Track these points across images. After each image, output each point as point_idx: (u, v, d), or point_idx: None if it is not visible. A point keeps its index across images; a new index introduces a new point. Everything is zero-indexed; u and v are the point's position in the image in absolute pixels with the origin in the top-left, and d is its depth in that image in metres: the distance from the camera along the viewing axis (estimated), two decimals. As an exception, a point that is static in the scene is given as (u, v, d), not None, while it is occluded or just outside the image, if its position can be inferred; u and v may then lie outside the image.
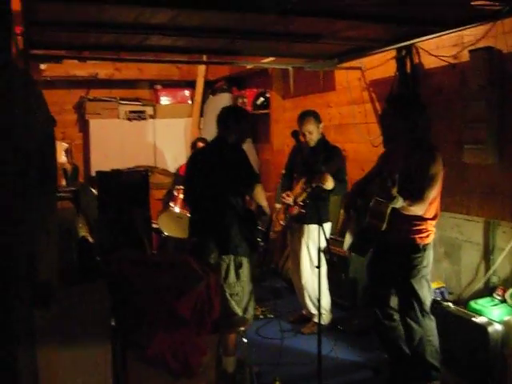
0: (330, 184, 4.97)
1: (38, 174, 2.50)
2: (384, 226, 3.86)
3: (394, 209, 3.81)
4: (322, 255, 4.14)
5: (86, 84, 9.00)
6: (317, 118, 5.39)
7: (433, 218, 4.07)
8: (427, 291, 4.10)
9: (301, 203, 5.28)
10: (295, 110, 6.90)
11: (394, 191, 3.60)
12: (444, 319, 4.31)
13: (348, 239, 4.30)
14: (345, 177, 5.30)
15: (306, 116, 5.40)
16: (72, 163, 8.27)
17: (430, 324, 4.12)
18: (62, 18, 3.96)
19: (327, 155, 5.23)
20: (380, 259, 4.28)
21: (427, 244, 4.06)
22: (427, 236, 4.05)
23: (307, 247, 5.40)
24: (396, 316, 4.26)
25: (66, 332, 2.76)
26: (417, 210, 3.88)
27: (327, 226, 5.36)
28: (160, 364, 3.03)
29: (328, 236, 5.37)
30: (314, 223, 4.94)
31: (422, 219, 4.00)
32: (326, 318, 5.47)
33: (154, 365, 3.03)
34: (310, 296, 5.47)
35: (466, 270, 4.97)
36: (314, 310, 5.47)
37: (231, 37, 4.70)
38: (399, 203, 3.69)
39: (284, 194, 5.44)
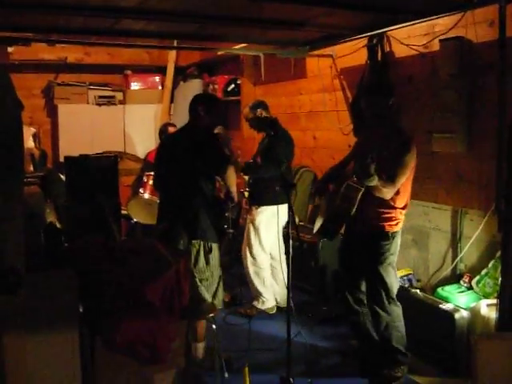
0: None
1: (3, 159, 2.46)
2: (354, 209, 3.87)
3: (364, 196, 3.83)
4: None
5: (55, 68, 8.88)
6: (254, 106, 5.68)
7: (403, 208, 4.10)
8: (394, 278, 4.14)
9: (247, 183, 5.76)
10: (266, 96, 6.88)
11: (373, 168, 3.61)
12: (412, 306, 4.36)
13: (318, 223, 4.32)
14: (276, 157, 5.26)
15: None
16: (40, 148, 8.16)
17: (397, 310, 4.16)
18: (30, -1, 3.89)
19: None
20: (350, 245, 4.31)
21: (396, 232, 4.09)
22: (396, 224, 4.08)
23: (252, 228, 5.62)
24: (365, 301, 4.29)
25: (32, 319, 2.72)
26: (387, 192, 3.89)
27: (271, 208, 5.40)
28: (128, 351, 3.00)
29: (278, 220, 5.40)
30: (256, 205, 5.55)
31: (391, 207, 4.03)
32: (261, 304, 5.69)
33: (123, 352, 3.00)
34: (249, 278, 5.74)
35: (434, 258, 5.03)
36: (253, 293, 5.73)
37: (202, 22, 4.67)
38: (374, 182, 3.70)
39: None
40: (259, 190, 5.48)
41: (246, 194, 5.64)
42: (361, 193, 3.82)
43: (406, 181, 3.98)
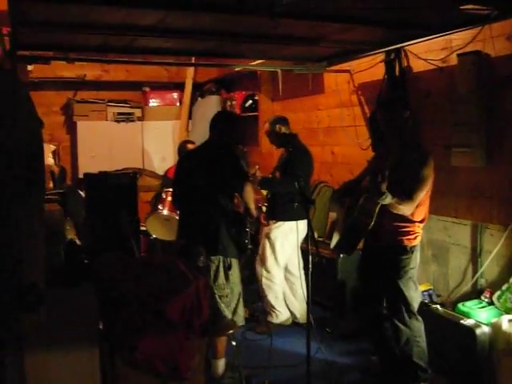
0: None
1: (25, 177, 2.48)
2: (372, 222, 3.86)
3: (382, 210, 3.82)
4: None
5: (74, 86, 8.96)
6: (273, 121, 5.66)
7: (421, 221, 4.08)
8: (414, 292, 4.11)
9: (265, 198, 5.77)
10: (284, 112, 6.90)
11: (384, 187, 3.60)
12: (432, 321, 4.32)
13: (335, 239, 4.30)
14: (295, 171, 5.15)
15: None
16: (59, 165, 8.22)
17: (418, 325, 4.12)
18: (50, 18, 3.94)
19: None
20: (368, 260, 4.28)
21: (414, 246, 4.07)
22: (414, 238, 4.06)
23: (268, 243, 5.61)
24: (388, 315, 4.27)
25: (53, 336, 2.74)
26: (405, 209, 3.88)
27: (290, 224, 5.43)
28: (148, 368, 3.01)
29: (296, 235, 5.42)
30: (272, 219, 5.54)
31: (409, 221, 4.01)
32: (275, 317, 5.67)
33: (143, 369, 3.01)
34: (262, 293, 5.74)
35: (454, 273, 4.98)
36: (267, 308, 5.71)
37: (220, 39, 4.70)
38: (387, 199, 3.68)
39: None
40: (277, 205, 5.49)
41: (264, 208, 5.65)
42: (379, 206, 3.81)
43: (424, 194, 3.97)
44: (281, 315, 5.66)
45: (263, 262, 5.62)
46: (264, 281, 5.61)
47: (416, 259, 4.11)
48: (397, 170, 3.86)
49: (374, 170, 3.85)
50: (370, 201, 3.85)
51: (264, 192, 5.77)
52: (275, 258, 5.53)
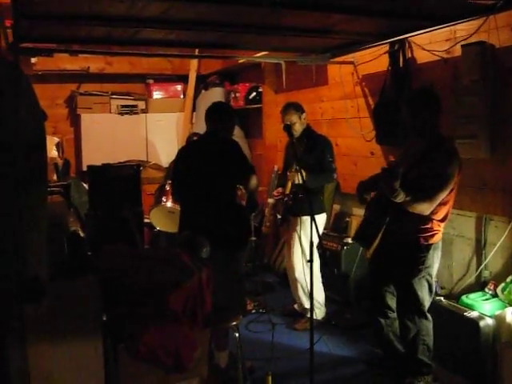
0: (298, 179, 4.95)
1: (28, 168, 2.48)
2: (387, 218, 3.83)
3: (399, 206, 3.78)
4: (314, 249, 4.07)
5: (78, 78, 8.95)
6: (297, 108, 5.41)
7: (441, 220, 4.01)
8: (427, 292, 4.06)
9: (290, 195, 5.32)
10: (288, 104, 6.88)
11: (396, 185, 3.56)
12: (436, 314, 4.30)
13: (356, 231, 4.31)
14: (330, 166, 5.31)
15: (286, 107, 5.46)
16: (63, 158, 8.23)
17: (426, 324, 4.10)
18: (53, 10, 3.93)
19: (309, 146, 5.30)
20: (383, 256, 4.19)
21: (431, 244, 4.00)
22: (432, 236, 3.99)
23: (299, 239, 5.37)
24: (391, 314, 4.26)
25: (56, 328, 2.74)
26: (423, 208, 3.82)
27: (320, 217, 5.35)
28: (152, 359, 3.01)
29: (322, 228, 5.38)
30: (306, 215, 4.98)
31: (427, 219, 3.94)
32: (319, 313, 5.46)
33: (146, 360, 3.01)
34: (303, 289, 5.45)
35: (458, 265, 4.98)
36: (307, 304, 5.41)
37: (223, 30, 4.68)
38: (400, 197, 3.64)
39: (274, 192, 5.50)
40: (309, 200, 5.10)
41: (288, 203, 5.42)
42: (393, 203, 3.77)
43: (447, 194, 3.90)
44: (319, 311, 5.51)
45: (294, 261, 5.44)
46: (298, 279, 5.42)
47: (433, 258, 4.03)
48: (419, 167, 3.81)
49: (385, 167, 3.82)
50: (383, 197, 3.82)
51: (289, 187, 5.44)
52: (303, 253, 5.34)
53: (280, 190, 5.53)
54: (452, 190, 3.94)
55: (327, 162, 5.25)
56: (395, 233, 4.00)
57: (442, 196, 3.84)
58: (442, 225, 4.04)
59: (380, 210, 3.91)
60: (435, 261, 4.07)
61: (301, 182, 4.61)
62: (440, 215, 3.97)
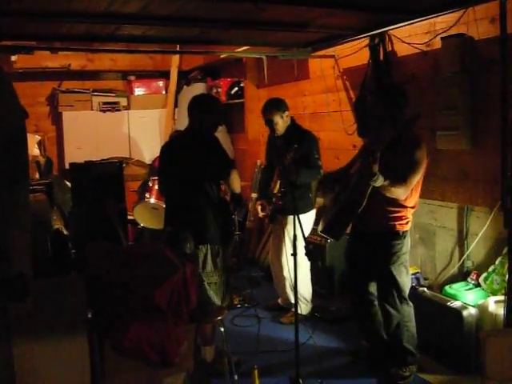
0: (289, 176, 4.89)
1: (9, 166, 2.47)
2: (364, 202, 3.84)
3: (372, 195, 3.81)
4: (299, 244, 3.97)
5: (59, 76, 8.91)
6: (279, 107, 5.24)
7: (412, 207, 4.09)
8: (406, 278, 4.13)
9: (278, 194, 5.27)
10: (270, 98, 6.89)
11: (375, 168, 3.58)
12: (419, 304, 4.34)
13: (323, 223, 4.28)
14: (316, 162, 5.23)
15: (267, 107, 5.28)
16: (45, 156, 8.19)
17: (408, 310, 4.15)
18: (33, 7, 3.91)
19: (294, 142, 5.10)
20: (358, 246, 4.29)
21: (406, 231, 4.09)
22: (406, 223, 4.07)
23: (289, 238, 5.34)
24: (375, 302, 4.28)
25: (41, 325, 2.73)
26: (399, 193, 3.85)
27: (310, 214, 5.38)
28: (138, 355, 3.01)
29: (311, 226, 5.38)
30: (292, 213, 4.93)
31: (402, 206, 4.00)
32: (305, 309, 5.47)
33: (132, 356, 3.01)
34: (291, 286, 5.45)
35: (441, 256, 5.02)
36: (293, 300, 5.40)
37: (204, 26, 4.68)
38: (379, 181, 3.66)
39: (259, 208, 5.48)
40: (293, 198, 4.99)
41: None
42: (370, 188, 3.78)
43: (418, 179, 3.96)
44: (305, 306, 5.50)
45: (283, 259, 5.36)
46: (286, 277, 5.38)
47: (407, 244, 4.13)
48: (389, 153, 3.84)
49: (367, 152, 3.84)
50: (362, 181, 3.83)
51: (277, 187, 5.35)
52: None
53: (259, 206, 5.49)
54: (420, 178, 3.99)
55: (314, 158, 5.21)
56: (369, 222, 4.06)
57: (416, 179, 3.90)
58: (412, 212, 4.12)
59: (357, 195, 3.90)
60: (409, 247, 4.16)
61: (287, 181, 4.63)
62: (411, 202, 4.05)
